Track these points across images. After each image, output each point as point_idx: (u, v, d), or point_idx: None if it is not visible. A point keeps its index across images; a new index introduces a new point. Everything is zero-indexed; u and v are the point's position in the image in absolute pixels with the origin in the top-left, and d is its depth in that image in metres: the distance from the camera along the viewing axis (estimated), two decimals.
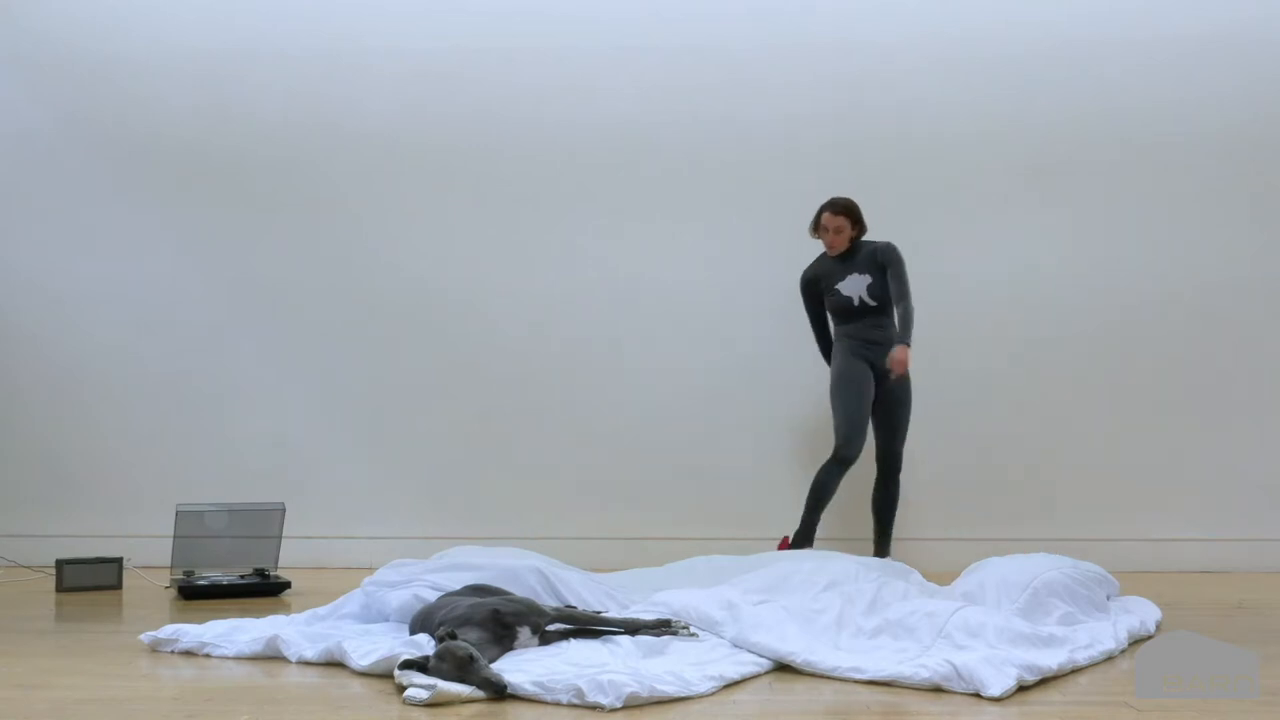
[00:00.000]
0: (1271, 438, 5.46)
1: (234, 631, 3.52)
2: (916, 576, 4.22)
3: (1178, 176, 5.53)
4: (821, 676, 3.13)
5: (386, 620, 3.68)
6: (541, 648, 3.30)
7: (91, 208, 5.71)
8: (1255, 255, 5.50)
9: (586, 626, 3.49)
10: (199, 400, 5.66)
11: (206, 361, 5.67)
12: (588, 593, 3.89)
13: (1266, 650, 3.33)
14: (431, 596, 3.58)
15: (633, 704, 2.80)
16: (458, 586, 3.63)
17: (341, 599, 3.85)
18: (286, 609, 4.20)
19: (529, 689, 2.87)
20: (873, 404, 4.95)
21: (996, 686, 2.92)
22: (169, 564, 4.74)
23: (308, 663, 3.28)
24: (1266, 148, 5.51)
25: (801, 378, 5.33)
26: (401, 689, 2.89)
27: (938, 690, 2.98)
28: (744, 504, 5.46)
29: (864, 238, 5.05)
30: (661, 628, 3.45)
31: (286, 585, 4.68)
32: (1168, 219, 5.53)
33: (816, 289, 5.08)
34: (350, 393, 5.65)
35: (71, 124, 5.74)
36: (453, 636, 3.04)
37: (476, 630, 3.16)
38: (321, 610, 3.83)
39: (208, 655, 3.39)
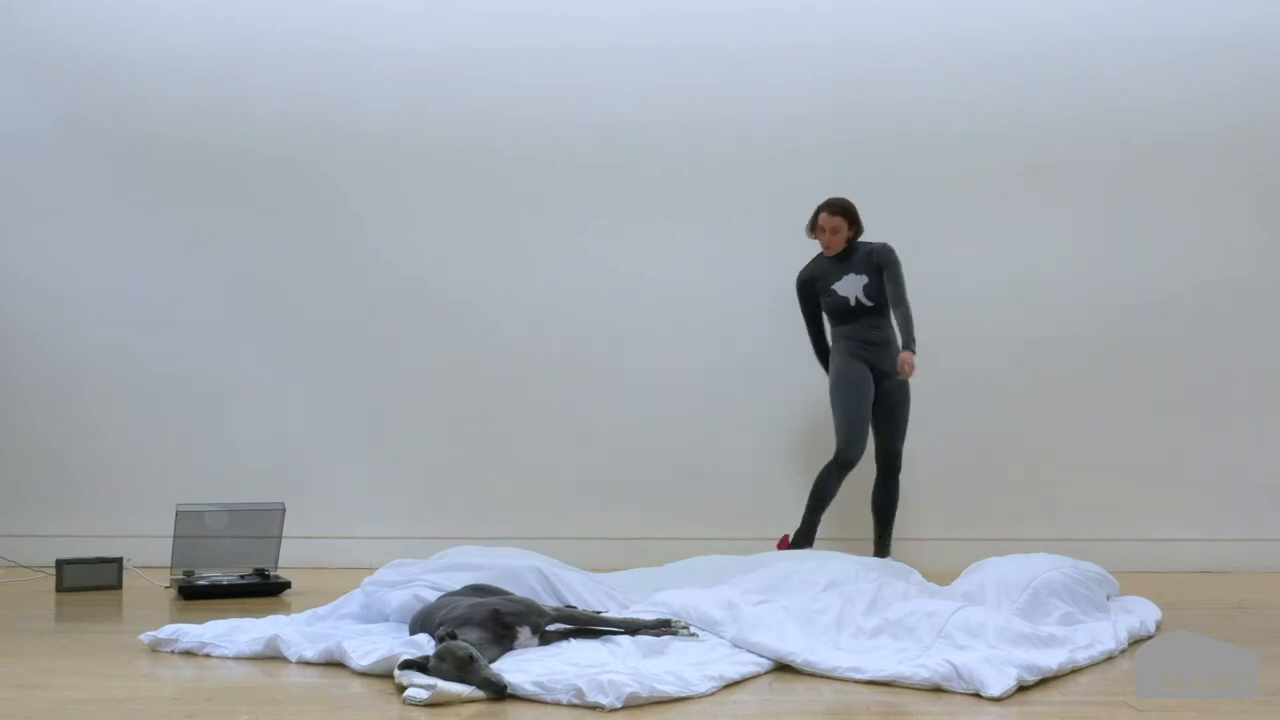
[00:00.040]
0: (1271, 438, 5.46)
1: (234, 631, 3.52)
2: (916, 576, 4.22)
3: (1178, 176, 5.53)
4: (821, 676, 3.13)
5: (386, 620, 3.68)
6: (541, 648, 3.30)
7: (91, 208, 5.71)
8: (1255, 255, 5.50)
9: (586, 626, 3.49)
10: (199, 400, 5.66)
11: (206, 361, 5.67)
12: (588, 593, 3.89)
13: (1266, 650, 3.33)
14: (431, 596, 3.58)
15: (633, 704, 2.80)
16: (458, 586, 3.63)
17: (341, 599, 3.85)
18: (286, 609, 4.20)
19: (529, 689, 2.87)
20: (872, 404, 4.95)
21: (996, 686, 2.92)
22: (169, 564, 4.74)
23: (308, 663, 3.28)
24: (1266, 148, 5.51)
25: (801, 378, 5.33)
26: (401, 689, 2.89)
27: (938, 690, 2.98)
28: (744, 504, 5.46)
29: (860, 238, 5.05)
30: (661, 628, 3.45)
31: (286, 585, 4.68)
32: (1168, 219, 5.53)
33: (812, 290, 5.08)
34: (350, 393, 5.65)
35: (71, 124, 5.74)
36: (453, 636, 3.04)
37: (476, 630, 3.16)
38: (321, 610, 3.83)
39: (208, 655, 3.39)
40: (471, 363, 5.63)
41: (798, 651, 3.22)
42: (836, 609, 3.55)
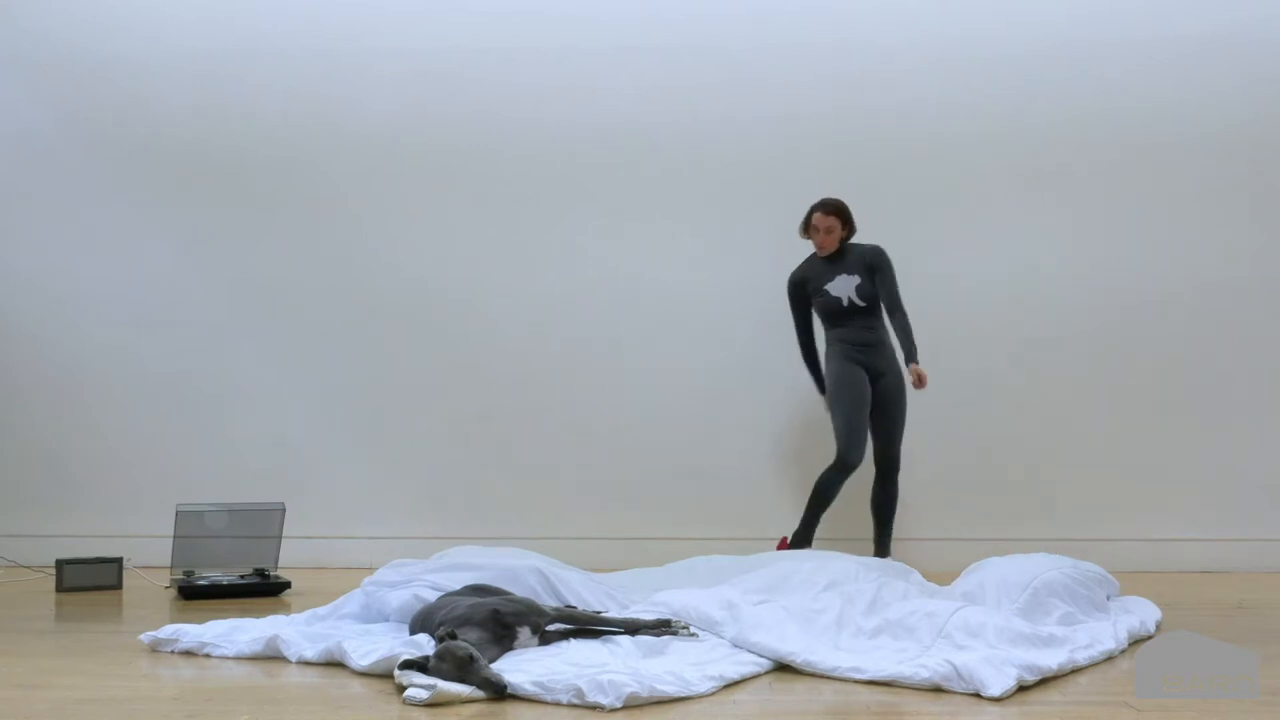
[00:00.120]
0: (1271, 438, 5.46)
1: (234, 631, 3.52)
2: (916, 576, 4.22)
3: (1178, 176, 5.53)
4: (821, 676, 3.13)
5: (386, 620, 3.68)
6: (541, 648, 3.30)
7: (91, 208, 5.71)
8: (1255, 255, 5.50)
9: (586, 626, 3.49)
10: (199, 400, 5.66)
11: (206, 361, 5.67)
12: (588, 593, 3.89)
13: (1266, 650, 3.33)
14: (431, 596, 3.58)
15: (633, 704, 2.80)
16: (458, 586, 3.63)
17: (341, 599, 3.85)
18: (286, 609, 4.20)
19: (529, 689, 2.87)
20: (870, 406, 4.95)
21: (996, 686, 2.92)
22: (169, 564, 4.74)
23: (308, 663, 3.28)
24: (1266, 148, 5.51)
25: (801, 378, 5.32)
26: (401, 689, 2.89)
27: (938, 690, 2.98)
28: (744, 504, 5.46)
29: (853, 239, 5.05)
30: (661, 628, 3.45)
31: (286, 585, 4.68)
32: (1168, 219, 5.53)
33: (804, 291, 5.07)
34: (350, 393, 5.65)
35: (71, 124, 5.74)
36: (453, 636, 3.04)
37: (476, 630, 3.16)
38: (321, 610, 3.83)
39: (208, 655, 3.39)
40: (471, 363, 5.63)
41: (798, 651, 3.22)
42: (836, 609, 3.55)
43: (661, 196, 5.63)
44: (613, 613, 3.72)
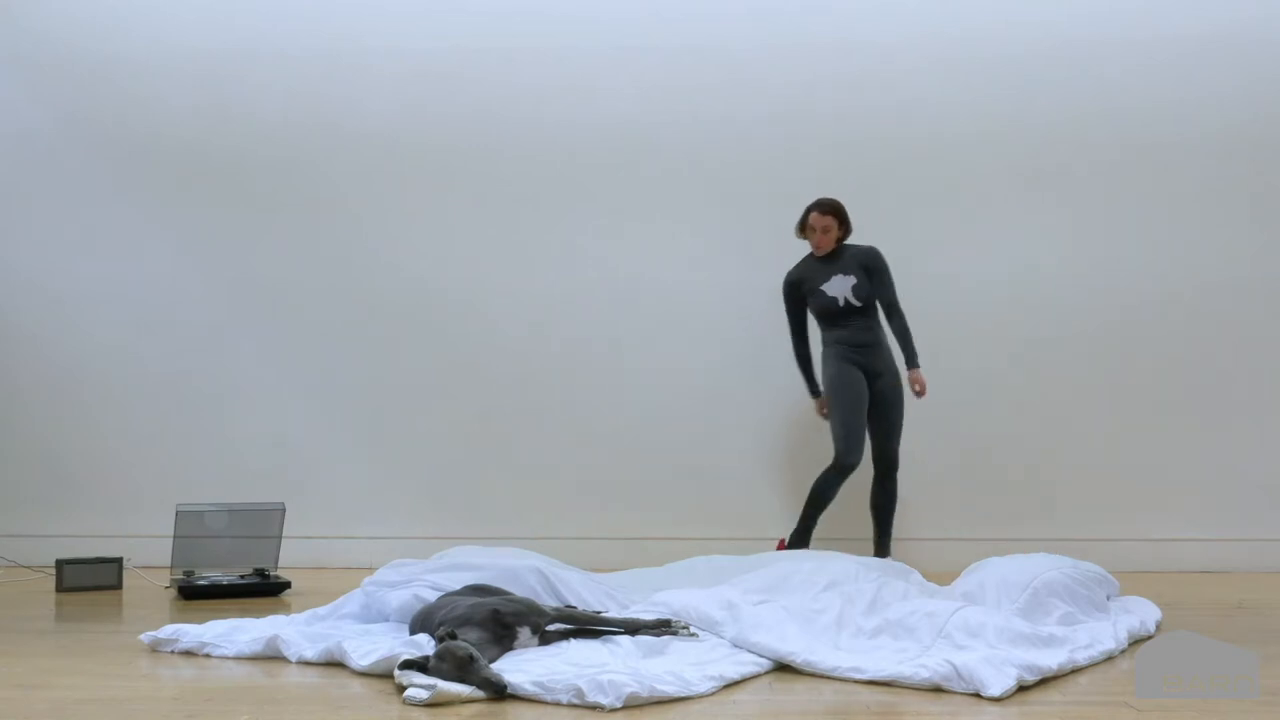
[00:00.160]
0: (1271, 438, 5.46)
1: (234, 631, 3.52)
2: (916, 576, 4.22)
3: (1178, 176, 5.53)
4: (821, 676, 3.13)
5: (386, 620, 3.68)
6: (541, 648, 3.30)
7: (91, 208, 5.71)
8: (1255, 255, 5.51)
9: (586, 626, 3.49)
10: (199, 400, 5.66)
11: (206, 361, 5.67)
12: (588, 593, 3.89)
13: (1266, 650, 3.34)
14: (431, 596, 3.58)
15: (633, 704, 2.80)
16: (458, 586, 3.63)
17: (341, 599, 3.85)
18: (286, 609, 4.20)
19: (529, 689, 2.87)
20: (868, 406, 4.95)
21: (996, 686, 2.92)
22: (169, 564, 4.74)
23: (308, 663, 3.28)
24: (1266, 148, 5.51)
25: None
26: (401, 689, 2.89)
27: (938, 690, 2.98)
28: (744, 504, 5.46)
29: (848, 239, 5.05)
30: (661, 628, 3.45)
31: (286, 585, 4.68)
32: (1168, 219, 5.53)
33: (800, 292, 5.07)
34: (350, 393, 5.65)
35: (71, 124, 5.74)
36: (453, 636, 3.04)
37: (476, 630, 3.16)
38: (321, 610, 3.83)
39: (208, 655, 3.39)
40: (471, 363, 5.63)
41: (798, 651, 3.22)
42: (836, 609, 3.55)
43: (661, 196, 5.63)
44: (613, 613, 3.72)
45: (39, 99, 5.76)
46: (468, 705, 2.81)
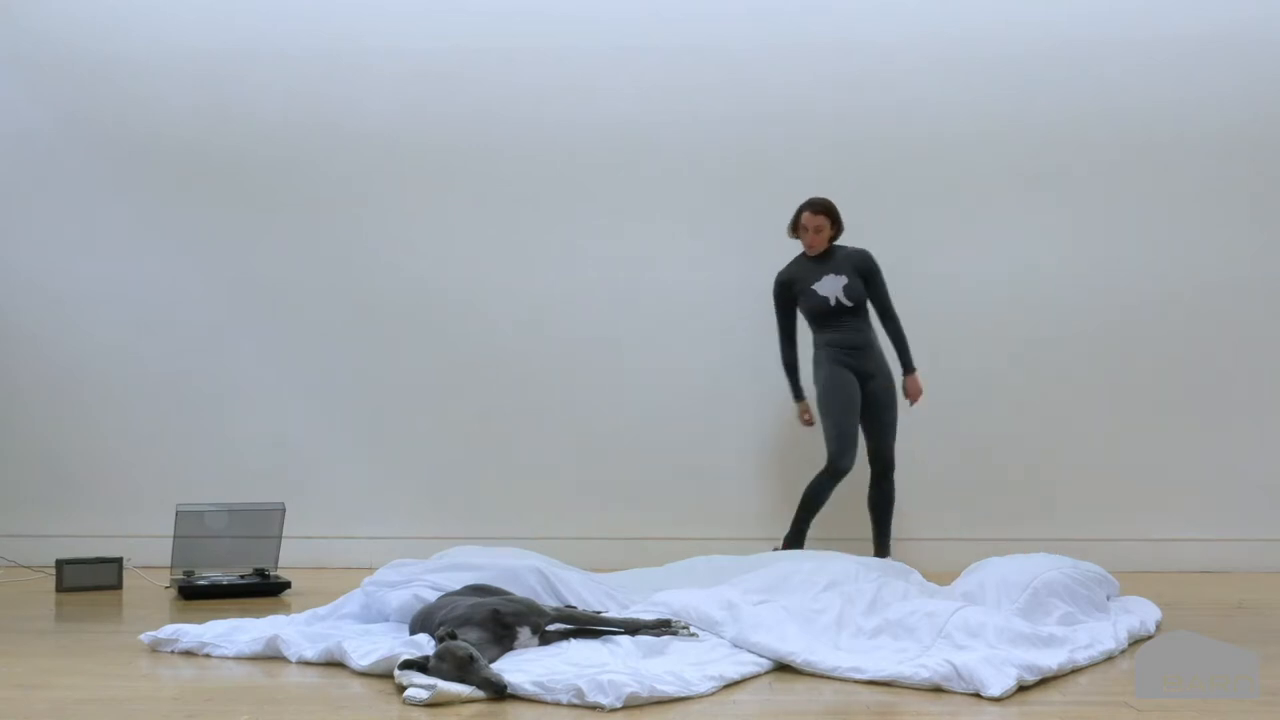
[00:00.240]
0: (1271, 438, 5.46)
1: (234, 631, 3.52)
2: (916, 576, 4.22)
3: (1178, 176, 5.53)
4: (821, 676, 3.13)
5: (386, 620, 3.68)
6: (541, 648, 3.30)
7: (91, 208, 5.71)
8: (1255, 255, 5.50)
9: (586, 626, 3.49)
10: (199, 400, 5.66)
11: (206, 361, 5.67)
12: (588, 593, 3.89)
13: (1266, 650, 3.34)
14: (431, 596, 3.58)
15: (633, 704, 2.80)
16: (458, 586, 3.63)
17: (341, 599, 3.85)
18: (286, 609, 4.20)
19: (529, 689, 2.87)
20: (861, 407, 4.95)
21: (996, 686, 2.92)
22: (169, 564, 4.74)
23: (308, 663, 3.28)
24: (1266, 148, 5.51)
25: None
26: (401, 689, 2.89)
27: (938, 690, 2.98)
28: (744, 504, 5.46)
29: (839, 240, 5.05)
30: (661, 628, 3.45)
31: (286, 585, 4.68)
32: (1168, 219, 5.53)
33: (791, 292, 5.06)
34: (350, 393, 5.65)
35: (71, 124, 5.74)
36: (453, 636, 3.04)
37: (476, 630, 3.16)
38: (321, 610, 3.83)
39: (208, 655, 3.40)
40: (471, 363, 5.63)
41: (798, 651, 3.22)
42: (836, 609, 3.55)
43: (661, 196, 5.63)
44: (613, 613, 3.72)
45: (39, 99, 5.76)
46: (468, 705, 2.81)
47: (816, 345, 5.05)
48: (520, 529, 5.22)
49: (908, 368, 5.02)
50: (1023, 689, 2.98)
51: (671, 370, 5.58)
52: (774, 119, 5.60)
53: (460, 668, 2.90)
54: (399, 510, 5.53)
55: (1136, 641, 3.59)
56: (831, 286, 4.96)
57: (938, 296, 5.39)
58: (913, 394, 5.03)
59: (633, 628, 3.42)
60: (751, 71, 5.63)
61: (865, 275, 4.97)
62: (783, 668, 3.23)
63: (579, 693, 2.80)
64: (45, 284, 5.71)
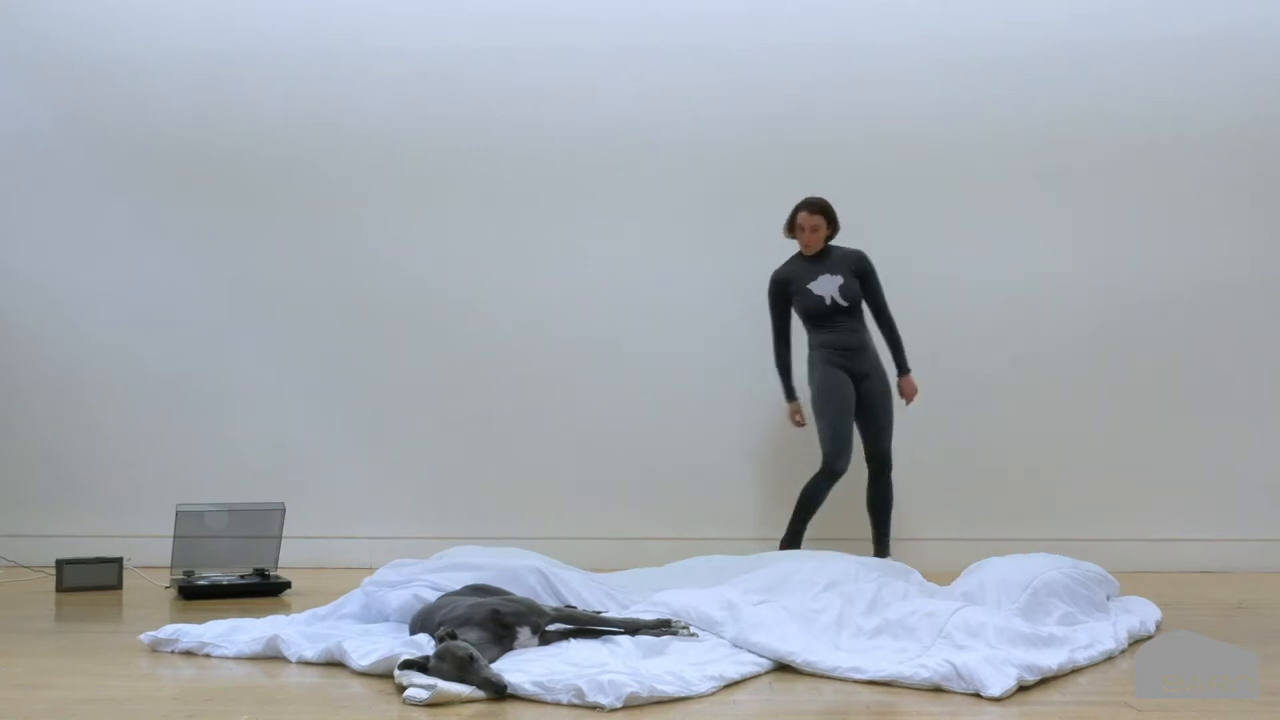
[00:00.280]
0: (1271, 438, 5.46)
1: (234, 631, 3.52)
2: (916, 576, 4.22)
3: (1178, 176, 5.53)
4: (821, 676, 3.13)
5: (386, 620, 3.68)
6: (541, 648, 3.30)
7: (91, 208, 5.71)
8: (1255, 255, 5.50)
9: (586, 626, 3.49)
10: (199, 400, 5.66)
11: (206, 361, 5.67)
12: (588, 593, 3.89)
13: (1266, 650, 3.34)
14: (431, 596, 3.58)
15: (633, 704, 2.80)
16: (458, 586, 3.63)
17: (341, 599, 3.85)
18: (286, 609, 4.20)
19: (529, 689, 2.87)
20: (856, 408, 4.95)
21: (996, 686, 2.92)
22: (169, 564, 4.74)
23: (308, 663, 3.28)
24: (1266, 148, 5.51)
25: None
26: (401, 689, 2.89)
27: (938, 690, 2.98)
28: (744, 504, 5.46)
29: (833, 241, 5.05)
30: (661, 628, 3.45)
31: (286, 585, 4.68)
32: (1168, 219, 5.53)
33: (786, 291, 5.06)
34: (350, 393, 5.65)
35: (71, 124, 5.74)
36: (453, 636, 3.04)
37: (476, 630, 3.16)
38: (321, 610, 3.83)
39: (208, 655, 3.40)
40: (471, 363, 5.63)
41: (798, 651, 3.23)
42: (836, 609, 3.55)
43: (661, 196, 5.63)
44: (613, 613, 3.72)
45: (39, 99, 5.76)
46: (468, 705, 2.81)
47: (811, 346, 5.04)
48: (520, 529, 5.22)
49: (902, 369, 5.02)
50: (1023, 689, 2.98)
51: (671, 370, 5.58)
52: (774, 119, 5.60)
53: (460, 668, 2.90)
54: (399, 510, 5.53)
55: (1136, 641, 3.59)
56: (827, 286, 4.96)
57: (938, 297, 5.39)
58: (908, 395, 5.04)
59: (633, 628, 3.42)
60: (751, 71, 5.63)
61: (861, 275, 4.98)
62: (783, 668, 3.23)
63: (579, 693, 2.80)
64: (45, 284, 5.71)
